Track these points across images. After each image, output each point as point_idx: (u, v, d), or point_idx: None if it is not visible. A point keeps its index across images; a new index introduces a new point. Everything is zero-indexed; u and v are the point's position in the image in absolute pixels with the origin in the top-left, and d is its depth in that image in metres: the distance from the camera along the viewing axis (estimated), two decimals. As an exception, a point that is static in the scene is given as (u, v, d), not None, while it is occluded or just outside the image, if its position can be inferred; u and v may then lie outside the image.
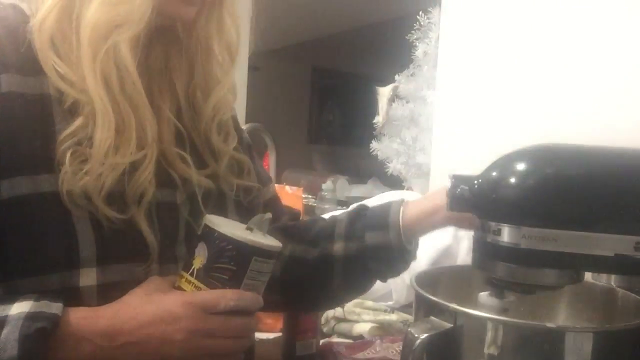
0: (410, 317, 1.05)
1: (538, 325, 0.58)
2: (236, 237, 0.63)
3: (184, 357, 0.62)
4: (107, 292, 0.64)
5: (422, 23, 1.70)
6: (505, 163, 0.60)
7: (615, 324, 0.68)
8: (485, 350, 0.57)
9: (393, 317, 1.07)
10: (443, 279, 0.75)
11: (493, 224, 0.59)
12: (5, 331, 0.57)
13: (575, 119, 1.24)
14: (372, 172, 2.91)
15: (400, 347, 0.91)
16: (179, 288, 0.64)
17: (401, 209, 0.79)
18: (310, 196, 2.26)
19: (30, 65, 0.64)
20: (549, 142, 0.61)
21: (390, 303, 1.13)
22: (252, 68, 3.30)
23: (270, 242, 0.66)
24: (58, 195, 0.62)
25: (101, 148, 0.63)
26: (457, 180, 0.62)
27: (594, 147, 0.61)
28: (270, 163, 2.10)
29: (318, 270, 0.83)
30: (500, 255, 0.59)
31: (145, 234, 0.67)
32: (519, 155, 0.60)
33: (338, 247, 0.82)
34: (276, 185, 1.58)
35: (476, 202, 0.61)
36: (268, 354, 0.98)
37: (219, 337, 0.63)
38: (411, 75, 1.75)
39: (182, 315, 0.61)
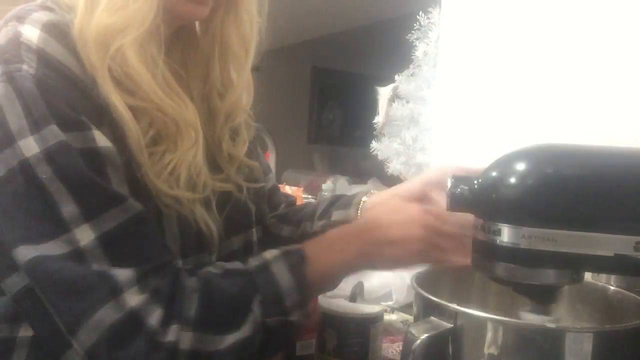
0: (410, 317, 1.05)
1: (538, 325, 0.58)
2: (351, 315, 0.83)
3: (421, 250, 0.73)
4: None
5: (422, 23, 1.70)
6: (505, 163, 0.60)
7: (615, 324, 0.68)
8: (485, 350, 0.57)
9: (393, 317, 1.07)
10: (443, 279, 0.75)
11: (493, 224, 0.59)
12: (274, 267, 0.68)
13: (575, 119, 1.24)
14: (372, 172, 2.91)
15: (400, 347, 0.91)
16: None
17: (367, 194, 0.91)
18: (310, 196, 2.25)
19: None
20: (549, 142, 0.61)
21: (390, 303, 1.13)
22: (252, 68, 3.31)
23: (371, 308, 0.87)
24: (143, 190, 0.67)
25: (182, 141, 0.69)
26: (457, 180, 0.62)
27: (594, 147, 0.61)
28: (270, 163, 2.10)
29: None
30: (500, 255, 0.59)
31: (200, 219, 0.72)
32: (519, 155, 0.60)
33: (313, 225, 0.92)
34: (276, 185, 1.57)
35: (476, 202, 0.61)
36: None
37: (446, 238, 0.74)
38: (411, 75, 1.75)
39: (422, 217, 0.74)
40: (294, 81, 5.52)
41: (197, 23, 0.78)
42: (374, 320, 0.84)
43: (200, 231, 0.72)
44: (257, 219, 0.88)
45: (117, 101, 0.65)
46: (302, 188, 1.70)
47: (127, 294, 0.59)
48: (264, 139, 2.06)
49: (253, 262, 0.69)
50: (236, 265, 0.69)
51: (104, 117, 0.64)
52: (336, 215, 0.91)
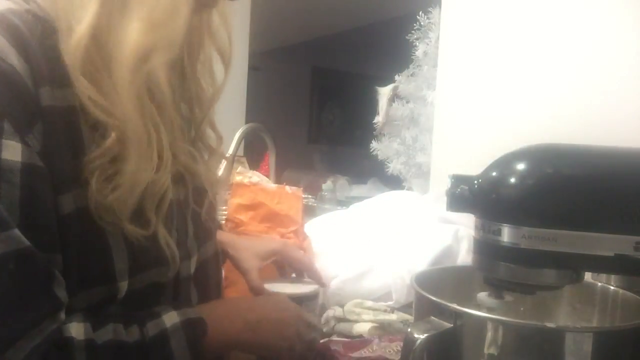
0: (410, 317, 1.05)
1: (538, 325, 0.58)
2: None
3: (292, 337, 0.76)
4: (132, 300, 0.64)
5: (422, 23, 1.70)
6: (505, 163, 0.60)
7: (615, 324, 0.68)
8: (485, 350, 0.57)
9: (393, 317, 1.07)
10: (443, 279, 0.75)
11: (493, 223, 0.59)
12: (173, 343, 0.63)
13: (575, 119, 1.24)
14: (372, 172, 2.91)
15: (398, 347, 0.91)
16: None
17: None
18: (310, 196, 2.26)
19: (59, 78, 0.61)
20: (549, 142, 0.61)
21: (390, 303, 1.13)
22: (252, 68, 3.30)
23: (305, 288, 0.95)
24: (87, 211, 0.61)
25: (134, 174, 0.62)
26: (457, 180, 0.62)
27: (594, 147, 0.61)
28: (270, 163, 2.10)
29: None
30: (500, 255, 0.59)
31: (163, 243, 0.67)
32: (519, 155, 0.60)
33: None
34: (276, 185, 1.57)
35: (476, 202, 0.61)
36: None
37: (309, 331, 0.80)
38: (411, 75, 1.75)
39: (292, 307, 0.81)
40: (294, 81, 5.52)
41: None
42: (305, 298, 0.92)
43: (158, 248, 0.67)
44: None
45: (136, 124, 0.62)
46: (302, 188, 1.70)
47: None
48: (264, 139, 2.06)
49: (151, 329, 0.63)
50: (133, 332, 0.62)
51: (35, 122, 0.58)
52: None
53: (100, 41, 0.62)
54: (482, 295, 0.63)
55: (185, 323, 0.65)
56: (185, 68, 0.76)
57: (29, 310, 0.55)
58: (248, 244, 0.96)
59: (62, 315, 0.58)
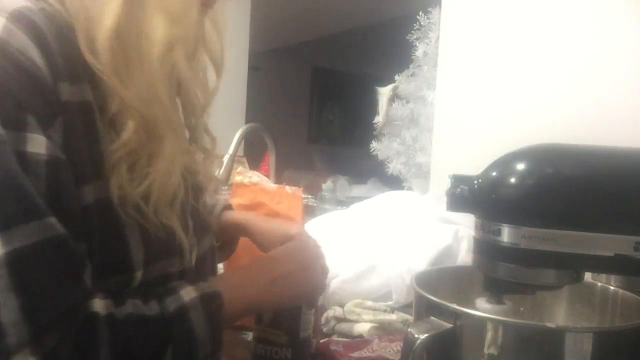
0: (410, 317, 1.05)
1: (538, 325, 0.58)
2: None
3: (314, 277, 0.80)
4: (141, 289, 0.66)
5: (422, 23, 1.70)
6: (505, 163, 0.60)
7: (615, 324, 0.68)
8: (485, 350, 0.57)
9: (393, 317, 1.07)
10: (443, 279, 0.75)
11: (493, 224, 0.59)
12: (193, 316, 0.64)
13: (575, 118, 1.24)
14: (372, 172, 2.91)
15: (398, 347, 0.91)
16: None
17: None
18: (310, 196, 2.26)
19: (74, 73, 0.62)
20: (549, 142, 0.61)
21: (390, 303, 1.13)
22: (252, 68, 3.30)
23: None
24: (107, 202, 0.62)
25: (170, 160, 0.65)
26: (457, 180, 0.62)
27: (594, 147, 0.61)
28: (270, 163, 2.10)
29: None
30: (500, 255, 0.59)
31: (182, 239, 0.70)
32: (519, 155, 0.60)
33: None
34: (276, 185, 1.57)
35: (476, 202, 0.61)
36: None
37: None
38: (411, 75, 1.75)
39: (306, 250, 0.83)
40: (294, 81, 5.52)
41: None
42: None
43: (170, 239, 0.69)
44: None
45: (165, 114, 0.64)
46: (302, 188, 1.70)
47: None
48: (264, 139, 2.06)
49: (170, 303, 0.64)
50: (152, 307, 0.63)
51: (56, 116, 0.59)
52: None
53: (123, 35, 0.63)
54: (481, 302, 0.63)
55: (203, 297, 0.66)
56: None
57: (66, 297, 0.56)
58: (267, 226, 0.97)
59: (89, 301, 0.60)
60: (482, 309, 0.62)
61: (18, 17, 0.59)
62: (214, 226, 0.88)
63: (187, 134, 0.78)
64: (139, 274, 0.65)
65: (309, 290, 0.80)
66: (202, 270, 0.78)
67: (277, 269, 0.77)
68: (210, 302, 0.67)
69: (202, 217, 0.81)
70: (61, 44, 0.62)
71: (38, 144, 0.57)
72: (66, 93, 0.61)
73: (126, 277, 0.64)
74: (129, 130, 0.63)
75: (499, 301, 0.62)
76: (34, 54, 0.58)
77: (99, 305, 0.59)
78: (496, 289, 0.63)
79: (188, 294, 0.66)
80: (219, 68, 0.79)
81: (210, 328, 0.65)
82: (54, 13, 0.63)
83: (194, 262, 0.76)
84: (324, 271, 0.83)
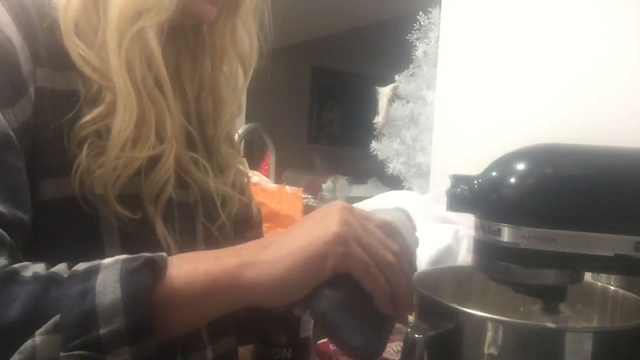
0: (410, 317, 1.05)
1: (538, 325, 0.58)
2: None
3: (339, 229, 0.52)
4: None
5: (422, 23, 1.70)
6: (505, 163, 0.60)
7: (615, 324, 0.68)
8: (485, 350, 0.57)
9: (393, 317, 1.06)
10: (443, 279, 0.74)
11: (493, 224, 0.59)
12: (100, 276, 0.47)
13: (575, 118, 1.24)
14: (372, 172, 2.91)
15: (398, 347, 0.91)
16: None
17: None
18: (310, 196, 2.25)
19: (60, 59, 0.61)
20: (549, 142, 0.61)
21: (390, 303, 1.13)
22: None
23: None
24: (75, 201, 0.59)
25: (119, 139, 0.60)
26: (457, 180, 0.62)
27: (594, 147, 0.61)
28: (270, 163, 2.10)
29: None
30: (500, 255, 0.59)
31: (161, 235, 0.64)
32: (519, 155, 0.60)
33: None
34: (276, 185, 1.58)
35: (476, 202, 0.61)
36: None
37: (376, 239, 0.55)
38: (411, 75, 1.75)
39: (336, 207, 0.55)
40: (294, 81, 5.52)
41: (190, 32, 0.74)
42: None
43: (154, 244, 0.63)
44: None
45: (123, 82, 0.60)
46: (302, 188, 1.70)
47: None
48: (264, 139, 2.06)
49: (80, 266, 0.50)
50: (59, 267, 0.51)
51: (18, 99, 0.56)
52: None
53: (90, 4, 0.62)
54: (535, 309, 0.60)
55: (130, 257, 0.50)
56: (204, 81, 0.75)
57: None
58: None
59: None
60: (541, 320, 0.60)
61: None
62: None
63: (201, 142, 0.75)
64: None
65: (318, 242, 0.52)
66: None
67: (282, 235, 0.56)
68: (135, 260, 0.49)
69: (222, 227, 0.75)
70: (51, 29, 0.61)
71: None
72: (44, 79, 0.59)
73: None
74: (105, 104, 0.60)
75: (555, 310, 0.61)
76: (12, 31, 0.57)
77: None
78: (548, 297, 0.60)
79: (114, 258, 0.51)
80: (247, 69, 0.77)
81: (127, 293, 0.46)
82: (54, 6, 0.62)
83: None
84: (361, 227, 0.54)
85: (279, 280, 0.51)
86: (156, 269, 0.49)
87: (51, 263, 0.53)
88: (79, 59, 0.61)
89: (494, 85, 1.42)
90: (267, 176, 1.91)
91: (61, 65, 0.61)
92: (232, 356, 0.78)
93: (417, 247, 0.66)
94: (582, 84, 1.24)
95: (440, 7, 1.61)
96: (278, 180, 2.03)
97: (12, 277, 0.48)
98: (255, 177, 1.62)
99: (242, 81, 0.78)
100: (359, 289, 0.53)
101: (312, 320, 0.87)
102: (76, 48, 0.60)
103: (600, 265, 0.57)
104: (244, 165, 0.85)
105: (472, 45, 1.49)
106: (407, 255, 0.57)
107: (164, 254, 0.52)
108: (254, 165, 2.20)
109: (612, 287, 0.71)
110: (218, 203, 0.74)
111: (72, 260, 0.54)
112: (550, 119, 1.29)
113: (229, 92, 0.77)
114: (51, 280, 0.48)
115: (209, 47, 0.75)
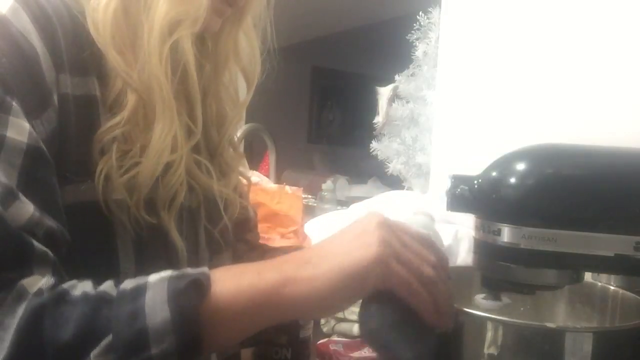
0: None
1: (538, 325, 0.58)
2: None
3: (379, 249, 0.53)
4: None
5: (422, 23, 1.70)
6: (505, 163, 0.60)
7: (615, 324, 0.68)
8: (485, 350, 0.57)
9: (393, 317, 1.07)
10: (443, 279, 0.74)
11: (493, 224, 0.59)
12: (149, 294, 0.48)
13: (575, 119, 1.24)
14: (372, 172, 2.91)
15: (400, 347, 0.91)
16: None
17: None
18: (310, 196, 2.25)
19: (79, 64, 0.60)
20: (549, 142, 0.61)
21: (390, 303, 1.13)
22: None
23: None
24: (97, 205, 0.59)
25: (159, 145, 0.61)
26: (457, 180, 0.62)
27: (594, 147, 0.61)
28: (270, 163, 2.10)
29: None
30: (500, 255, 0.59)
31: (176, 240, 0.65)
32: (519, 155, 0.60)
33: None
34: (276, 185, 1.57)
35: (476, 202, 0.61)
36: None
37: (415, 254, 0.55)
38: (411, 75, 1.75)
39: (374, 224, 0.55)
40: (294, 81, 5.52)
41: (195, 43, 0.75)
42: None
43: (169, 248, 0.64)
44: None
45: (165, 91, 0.61)
46: (302, 188, 1.70)
47: None
48: (264, 139, 2.06)
49: (128, 283, 0.51)
50: (107, 284, 0.51)
51: (45, 109, 0.56)
52: None
53: (127, 8, 0.62)
54: (479, 298, 0.63)
55: (176, 275, 0.51)
56: (207, 87, 0.75)
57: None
58: None
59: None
60: (481, 305, 0.62)
61: (27, 1, 0.57)
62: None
63: (204, 146, 0.75)
64: None
65: (359, 264, 0.52)
66: None
67: (326, 246, 0.55)
68: (181, 280, 0.50)
69: (223, 231, 0.76)
70: (71, 34, 0.60)
71: (20, 131, 0.53)
72: (66, 85, 0.59)
73: None
74: (128, 109, 0.61)
75: (497, 297, 0.62)
76: (35, 39, 0.57)
77: (33, 281, 0.49)
78: (493, 286, 0.63)
79: (160, 275, 0.51)
80: (250, 81, 0.77)
81: (176, 314, 0.47)
82: (80, 10, 0.62)
83: None
84: (399, 243, 0.54)
85: (319, 297, 0.53)
86: (201, 288, 0.51)
87: (66, 266, 0.54)
88: (119, 69, 0.61)
89: (494, 85, 1.42)
90: (267, 176, 1.91)
91: (80, 71, 0.61)
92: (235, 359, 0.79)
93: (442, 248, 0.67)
94: (582, 84, 1.24)
95: (440, 7, 1.61)
96: (278, 180, 2.03)
97: (63, 297, 0.49)
98: (255, 177, 1.62)
99: (244, 92, 0.78)
100: (403, 304, 0.54)
101: (312, 320, 0.87)
102: (117, 61, 0.61)
103: (600, 265, 0.57)
104: (244, 166, 0.85)
105: (472, 45, 1.49)
106: (443, 265, 0.58)
107: (207, 270, 0.53)
108: (254, 165, 2.21)
109: (612, 287, 0.71)
110: (221, 206, 0.74)
111: (84, 265, 0.56)
112: (550, 119, 1.29)
113: (229, 100, 0.78)
114: (101, 300, 0.49)
115: (212, 54, 0.75)
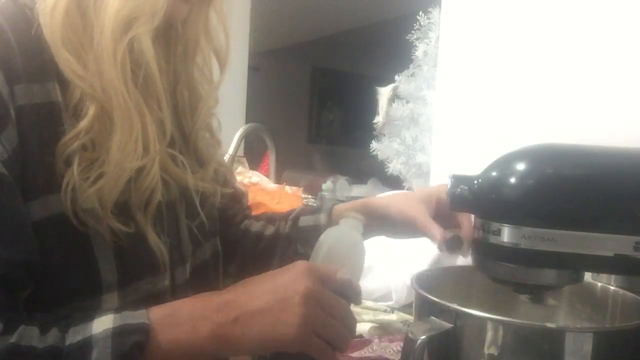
0: (410, 317, 1.05)
1: (538, 325, 0.58)
2: None
3: (299, 330, 0.57)
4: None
5: (422, 23, 1.70)
6: (505, 163, 0.60)
7: (615, 324, 0.68)
8: (485, 350, 0.57)
9: (393, 317, 1.07)
10: (443, 279, 0.74)
11: (493, 224, 0.59)
12: (94, 354, 0.51)
13: (575, 119, 1.24)
14: (372, 172, 2.91)
15: (398, 347, 0.91)
16: None
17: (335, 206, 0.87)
18: (310, 196, 2.26)
19: (37, 70, 0.58)
20: (549, 142, 0.61)
21: (390, 303, 1.13)
22: (252, 68, 3.30)
23: None
24: (63, 218, 0.57)
25: (120, 152, 0.58)
26: (457, 180, 0.62)
27: (594, 147, 0.61)
28: (270, 163, 2.10)
29: (270, 245, 0.88)
30: (501, 256, 0.59)
31: (154, 245, 0.64)
32: (519, 155, 0.60)
33: (286, 226, 0.87)
34: (276, 185, 1.58)
35: (476, 202, 0.61)
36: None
37: (331, 314, 0.59)
38: (411, 75, 1.75)
39: (302, 278, 0.59)
40: (294, 81, 5.52)
41: (162, 28, 0.71)
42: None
43: (151, 253, 0.63)
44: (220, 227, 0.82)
45: (121, 95, 0.58)
46: (302, 188, 1.70)
47: None
48: (264, 139, 2.06)
49: (75, 335, 0.53)
50: (49, 337, 0.52)
51: (5, 127, 0.54)
52: (304, 220, 0.86)
53: (81, 8, 0.59)
54: (524, 302, 0.63)
55: (117, 331, 0.53)
56: (178, 73, 0.73)
57: None
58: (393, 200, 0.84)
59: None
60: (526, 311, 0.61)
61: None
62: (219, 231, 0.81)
63: (178, 135, 0.73)
64: (109, 297, 0.59)
65: (294, 333, 0.57)
66: (201, 281, 0.73)
67: (247, 301, 0.58)
68: (125, 337, 0.53)
69: (202, 223, 0.74)
70: (27, 39, 0.58)
71: None
72: (23, 96, 0.56)
73: (94, 302, 0.59)
74: (88, 117, 0.58)
75: (540, 300, 0.62)
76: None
77: None
78: (531, 291, 0.62)
79: (103, 324, 0.53)
80: (222, 62, 0.75)
81: None
82: (30, 4, 0.60)
83: (188, 274, 0.71)
84: (321, 312, 0.58)
85: (249, 352, 0.61)
86: (143, 348, 0.54)
87: (44, 284, 0.55)
88: (73, 75, 0.58)
89: (494, 85, 1.42)
90: (267, 176, 1.91)
91: (39, 77, 0.58)
92: (215, 260, 0.80)
93: (364, 258, 0.74)
94: (582, 84, 1.24)
95: (440, 7, 1.61)
96: (278, 180, 2.03)
97: (12, 353, 0.50)
98: (255, 177, 1.62)
99: (217, 74, 0.76)
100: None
101: None
102: (68, 64, 0.58)
103: (600, 265, 0.57)
104: (243, 165, 0.84)
105: (472, 45, 1.49)
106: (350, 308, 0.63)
107: (147, 322, 0.55)
108: (254, 165, 2.20)
109: (612, 287, 0.71)
110: (197, 200, 0.73)
111: (65, 279, 0.56)
112: (550, 119, 1.29)
113: (204, 84, 0.75)
114: (50, 356, 0.51)
115: (182, 39, 0.72)
